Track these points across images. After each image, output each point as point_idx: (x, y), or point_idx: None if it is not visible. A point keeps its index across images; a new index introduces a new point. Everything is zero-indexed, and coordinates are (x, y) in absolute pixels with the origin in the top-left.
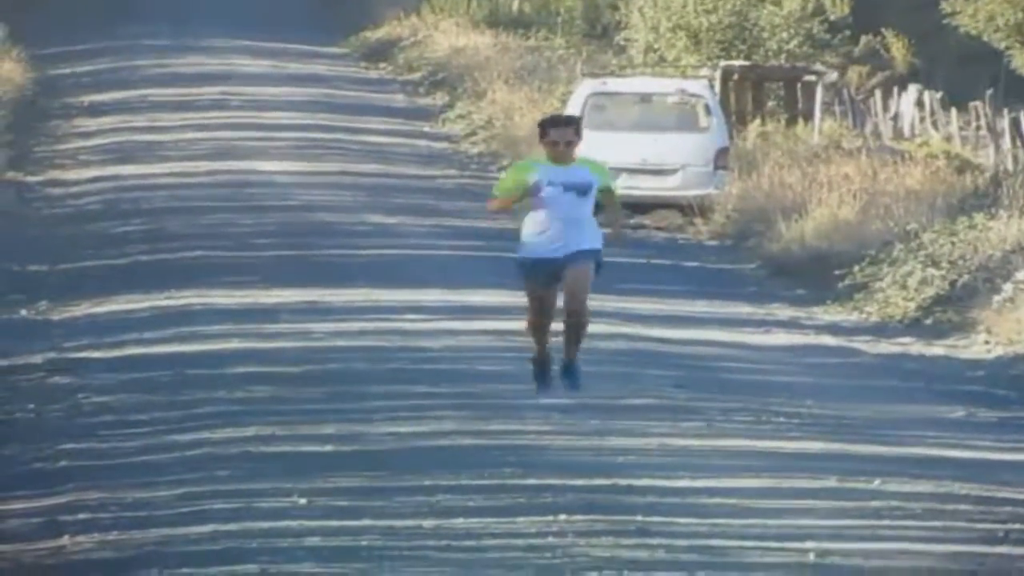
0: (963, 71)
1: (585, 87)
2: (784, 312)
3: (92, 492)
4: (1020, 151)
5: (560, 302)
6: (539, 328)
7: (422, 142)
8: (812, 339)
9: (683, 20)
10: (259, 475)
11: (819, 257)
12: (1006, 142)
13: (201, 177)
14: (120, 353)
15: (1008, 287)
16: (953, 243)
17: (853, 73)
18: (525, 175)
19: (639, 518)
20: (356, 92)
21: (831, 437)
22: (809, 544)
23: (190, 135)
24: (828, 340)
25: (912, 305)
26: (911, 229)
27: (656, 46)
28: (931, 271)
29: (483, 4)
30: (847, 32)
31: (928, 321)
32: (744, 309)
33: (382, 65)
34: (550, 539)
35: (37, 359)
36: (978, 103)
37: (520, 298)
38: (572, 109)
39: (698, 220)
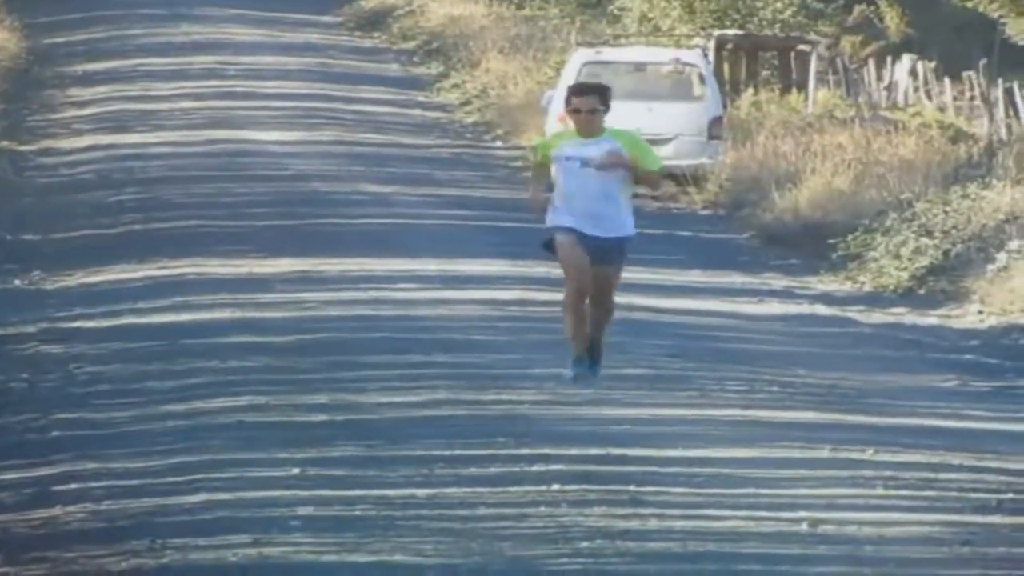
0: (957, 41)
1: (579, 56)
2: (778, 282)
3: (85, 462)
4: (1014, 121)
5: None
6: (577, 307)
7: (416, 111)
8: (805, 309)
9: None
10: (252, 445)
11: (813, 227)
12: (1000, 111)
13: (195, 146)
14: (113, 323)
15: (1002, 256)
16: (947, 213)
17: (847, 43)
18: (548, 151)
19: (632, 488)
20: (350, 61)
21: (824, 407)
22: (802, 514)
23: (184, 104)
24: (821, 310)
25: (906, 275)
26: (905, 199)
27: (650, 15)
28: (924, 241)
29: None
30: (841, 2)
31: (921, 291)
32: (738, 279)
33: (376, 34)
34: (543, 508)
35: (30, 329)
36: (972, 73)
37: (517, 267)
38: (566, 78)
39: (692, 189)
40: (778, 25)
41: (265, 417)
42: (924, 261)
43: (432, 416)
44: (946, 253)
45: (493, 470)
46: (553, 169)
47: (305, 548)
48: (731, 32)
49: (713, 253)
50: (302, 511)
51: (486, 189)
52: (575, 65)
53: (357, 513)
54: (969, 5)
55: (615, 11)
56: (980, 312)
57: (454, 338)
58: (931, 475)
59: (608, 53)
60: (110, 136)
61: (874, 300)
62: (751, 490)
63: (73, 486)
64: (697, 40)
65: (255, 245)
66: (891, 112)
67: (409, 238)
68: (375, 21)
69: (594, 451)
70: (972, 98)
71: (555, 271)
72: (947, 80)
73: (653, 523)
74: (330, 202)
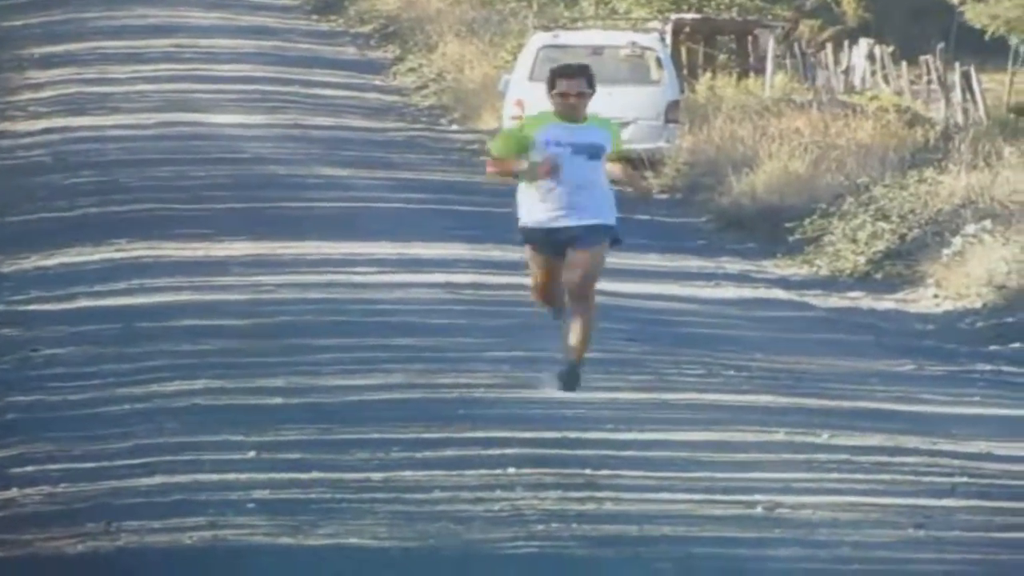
0: (914, 25)
1: (536, 40)
2: (734, 266)
3: (41, 445)
4: (970, 105)
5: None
6: (547, 295)
7: (373, 95)
8: (762, 293)
9: None
10: (208, 428)
11: (770, 211)
12: (957, 96)
13: (152, 129)
14: (70, 306)
15: (957, 241)
16: (903, 197)
17: (804, 27)
18: (529, 132)
19: (587, 471)
20: (307, 45)
21: (780, 391)
22: (758, 497)
23: (141, 87)
24: (778, 294)
25: (862, 259)
26: (862, 183)
27: None
28: (881, 225)
29: None
30: None
31: (878, 275)
32: (694, 263)
33: (333, 18)
34: (498, 492)
35: None
36: (929, 57)
37: (473, 251)
38: (523, 62)
39: (649, 173)
40: (736, 9)
41: (221, 400)
42: (880, 245)
43: (388, 399)
44: (902, 237)
45: (449, 453)
46: (534, 156)
47: (261, 531)
48: (688, 16)
49: (670, 237)
50: (258, 494)
51: (442, 172)
52: (532, 49)
53: (312, 496)
54: None
55: None
56: (936, 296)
57: (410, 321)
58: (886, 459)
59: (565, 37)
60: (67, 119)
61: (830, 284)
62: (707, 473)
63: (29, 468)
64: (655, 23)
65: (211, 228)
66: (848, 96)
67: (365, 221)
68: (332, 4)
69: (550, 434)
70: (929, 82)
71: (511, 254)
72: (904, 64)
73: (609, 506)
74: (286, 185)
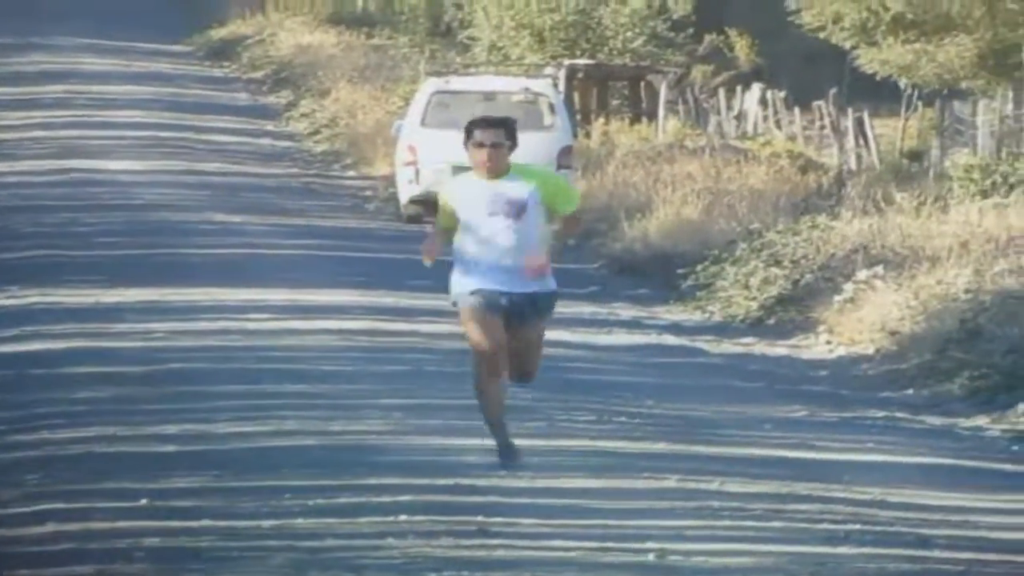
0: (807, 70)
1: (429, 85)
2: (627, 312)
3: None
4: (863, 151)
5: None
6: (491, 387)
7: (266, 140)
8: (655, 339)
9: (526, 18)
10: (101, 475)
11: (662, 256)
12: (849, 141)
13: (45, 176)
14: None
15: (850, 287)
16: (796, 243)
17: (697, 72)
18: (448, 199)
19: (480, 518)
20: (200, 90)
21: (673, 437)
22: (649, 544)
23: (34, 133)
24: (671, 340)
25: (755, 305)
26: (754, 228)
27: (500, 44)
28: (774, 271)
29: (327, 2)
30: (690, 30)
31: (771, 321)
32: (587, 309)
33: (226, 64)
34: (390, 540)
35: None
36: (822, 102)
37: (366, 297)
38: (416, 107)
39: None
40: (629, 54)
41: (113, 447)
42: (773, 291)
43: (281, 446)
44: (795, 283)
45: (342, 500)
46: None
47: None
48: (582, 61)
49: (562, 283)
50: (148, 542)
51: (335, 218)
52: (425, 94)
53: (204, 544)
54: (820, 35)
55: (465, 40)
56: (828, 342)
57: (303, 368)
58: (779, 506)
59: (458, 82)
60: None
61: (723, 330)
62: (599, 520)
63: None
64: (548, 69)
65: (104, 274)
66: (741, 141)
67: (258, 268)
68: (225, 50)
69: (442, 481)
70: (822, 128)
71: (403, 301)
72: (797, 109)
73: (500, 553)
74: (180, 231)
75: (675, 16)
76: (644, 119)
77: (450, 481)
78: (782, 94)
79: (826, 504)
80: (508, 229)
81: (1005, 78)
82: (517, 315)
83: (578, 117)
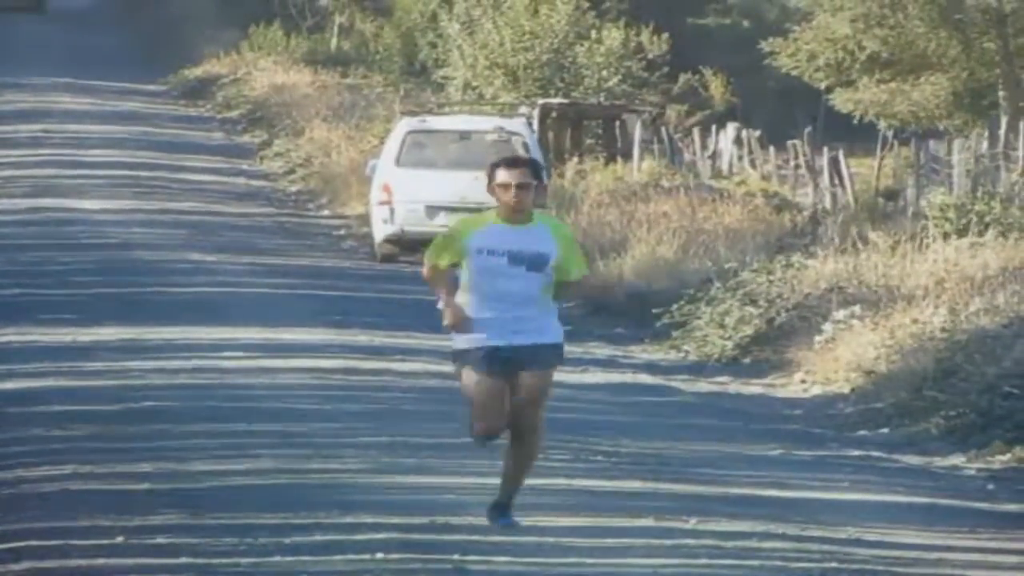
0: (782, 109)
1: (403, 125)
2: (602, 351)
3: None
4: (839, 190)
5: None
6: (491, 423)
7: (240, 180)
8: (630, 378)
9: (500, 58)
10: (76, 513)
11: (638, 295)
12: (824, 180)
13: (20, 215)
14: None
15: (827, 327)
16: (771, 282)
17: (672, 111)
18: (464, 235)
19: (456, 557)
20: (175, 130)
21: (648, 476)
22: None
23: (8, 172)
24: (646, 379)
25: (730, 344)
26: (729, 267)
27: (474, 84)
28: (749, 310)
29: (302, 42)
30: (665, 70)
31: (746, 360)
32: None
33: (201, 103)
34: None
35: None
36: (796, 141)
37: (340, 335)
38: (391, 147)
39: None
40: (603, 93)
41: (89, 485)
42: (748, 330)
43: (256, 484)
44: (770, 322)
45: (317, 538)
46: (465, 265)
47: None
48: (556, 100)
49: None
50: None
51: (309, 257)
52: (399, 133)
53: None
54: (794, 74)
55: (439, 79)
56: (803, 381)
57: (278, 407)
58: (755, 544)
59: (432, 121)
60: None
61: (698, 369)
62: (575, 559)
63: None
64: (522, 108)
65: (79, 313)
66: (716, 181)
67: (233, 306)
68: (200, 90)
69: (418, 520)
70: (797, 167)
71: (378, 339)
72: (772, 149)
73: None
74: (154, 270)
75: (650, 55)
76: (619, 158)
77: (426, 519)
78: (757, 133)
79: (802, 543)
80: (527, 280)
81: (981, 117)
82: (520, 365)
83: (552, 156)
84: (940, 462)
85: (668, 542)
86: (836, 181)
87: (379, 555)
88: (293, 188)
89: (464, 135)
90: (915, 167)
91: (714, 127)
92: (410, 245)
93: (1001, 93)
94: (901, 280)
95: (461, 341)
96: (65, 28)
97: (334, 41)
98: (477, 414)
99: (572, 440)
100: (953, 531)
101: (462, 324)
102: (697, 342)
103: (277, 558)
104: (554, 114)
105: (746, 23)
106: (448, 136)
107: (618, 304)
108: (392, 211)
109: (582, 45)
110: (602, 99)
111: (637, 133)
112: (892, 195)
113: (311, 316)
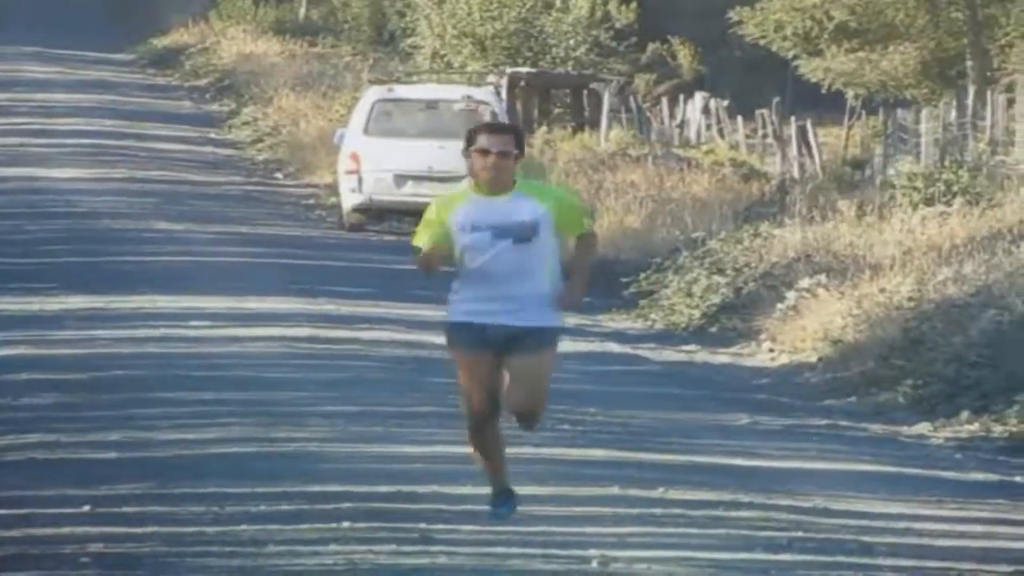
0: (750, 79)
1: (371, 94)
2: (569, 319)
3: None
4: (807, 159)
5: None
6: (483, 436)
7: (208, 148)
8: (597, 347)
9: (468, 27)
10: (43, 482)
11: (605, 264)
12: (792, 150)
13: None
14: None
15: (792, 295)
16: (738, 251)
17: (640, 81)
18: (443, 216)
19: (422, 525)
20: (143, 98)
21: (615, 445)
22: (592, 552)
23: None
24: (613, 348)
25: (697, 313)
26: (697, 236)
27: (442, 53)
28: (716, 279)
29: (270, 12)
30: (634, 39)
31: (713, 329)
32: None
33: (169, 72)
34: (332, 546)
35: None
36: (764, 111)
37: (307, 304)
38: (358, 116)
39: None
40: (571, 63)
41: (56, 454)
42: (716, 299)
43: (223, 453)
44: (738, 291)
45: (283, 507)
46: (457, 243)
47: None
48: (524, 70)
49: None
50: (92, 548)
51: (277, 226)
52: (367, 102)
53: (146, 550)
54: (762, 44)
55: (407, 48)
56: (771, 350)
57: (245, 375)
58: (721, 513)
59: (400, 90)
60: None
61: (666, 338)
62: (542, 528)
63: None
64: (490, 77)
65: (46, 282)
66: (684, 150)
67: (200, 275)
68: (168, 59)
69: (384, 488)
70: (765, 136)
71: (345, 308)
72: (740, 118)
73: (443, 560)
74: (121, 239)
75: (618, 25)
76: (587, 127)
77: (392, 488)
78: (725, 103)
79: (768, 511)
80: (513, 254)
81: (948, 86)
82: (512, 347)
83: (520, 125)
84: (907, 431)
85: (635, 511)
86: (804, 150)
87: (345, 523)
88: (261, 157)
89: (432, 104)
90: (883, 136)
91: (682, 96)
92: (378, 214)
93: (969, 63)
94: (868, 249)
95: (451, 313)
96: None
97: (302, 10)
98: (464, 395)
99: None
100: (920, 500)
101: (430, 259)
102: (664, 311)
103: (244, 527)
104: (522, 83)
105: None
106: (416, 105)
107: None
108: (360, 180)
109: (549, 14)
110: (570, 68)
111: (605, 102)
112: (860, 164)
113: (279, 285)
